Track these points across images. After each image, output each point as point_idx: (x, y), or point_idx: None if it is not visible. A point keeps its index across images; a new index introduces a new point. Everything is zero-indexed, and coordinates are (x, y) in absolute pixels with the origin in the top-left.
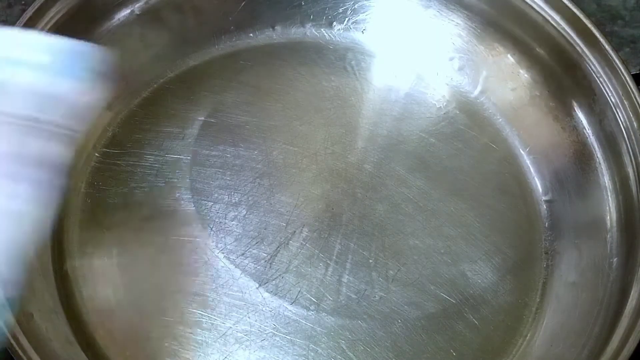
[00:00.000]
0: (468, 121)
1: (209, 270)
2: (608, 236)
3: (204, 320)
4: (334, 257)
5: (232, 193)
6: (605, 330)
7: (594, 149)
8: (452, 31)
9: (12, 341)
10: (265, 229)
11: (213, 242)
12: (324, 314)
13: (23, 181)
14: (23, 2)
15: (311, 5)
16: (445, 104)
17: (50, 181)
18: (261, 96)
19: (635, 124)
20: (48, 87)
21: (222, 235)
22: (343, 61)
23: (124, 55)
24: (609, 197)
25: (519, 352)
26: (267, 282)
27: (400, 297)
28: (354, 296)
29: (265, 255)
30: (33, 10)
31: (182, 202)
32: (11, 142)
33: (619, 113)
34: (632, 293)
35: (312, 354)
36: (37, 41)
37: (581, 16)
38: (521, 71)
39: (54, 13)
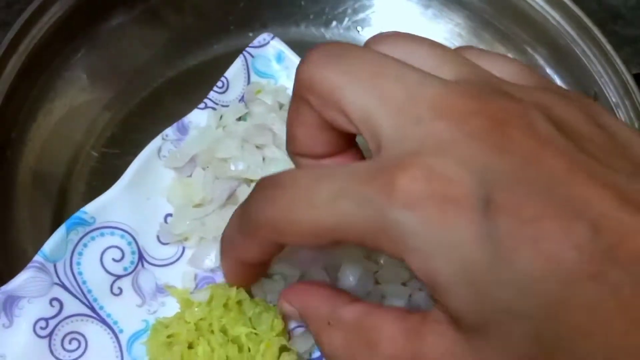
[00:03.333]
0: None
1: None
2: None
3: None
4: None
5: None
6: None
7: None
8: (452, 31)
9: None
10: None
11: None
12: None
13: None
14: (22, 2)
15: (311, 5)
16: None
17: None
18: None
19: (635, 124)
20: None
21: None
22: None
23: (124, 55)
24: None
25: None
26: None
27: None
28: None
29: None
30: (32, 9)
31: None
32: None
33: (620, 113)
34: None
35: None
36: None
37: (581, 15)
38: None
39: (54, 13)
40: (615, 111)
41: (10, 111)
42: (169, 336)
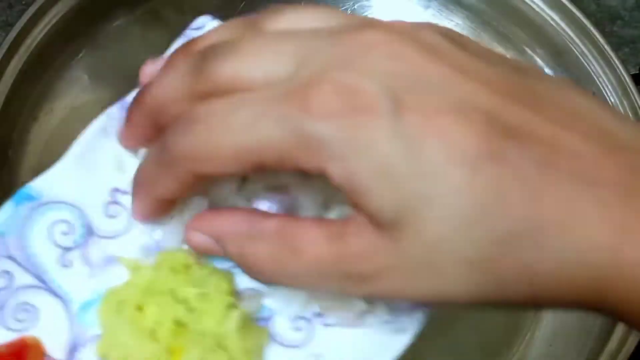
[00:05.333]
0: None
1: None
2: None
3: None
4: None
5: None
6: (605, 330)
7: None
8: None
9: None
10: None
11: None
12: None
13: None
14: (23, 2)
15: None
16: None
17: None
18: None
19: None
20: None
21: None
22: None
23: (125, 55)
24: None
25: (519, 352)
26: None
27: None
28: None
29: None
30: (33, 10)
31: None
32: None
33: None
34: None
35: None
36: None
37: (580, 16)
38: None
39: (55, 13)
40: None
41: (12, 111)
42: (118, 302)
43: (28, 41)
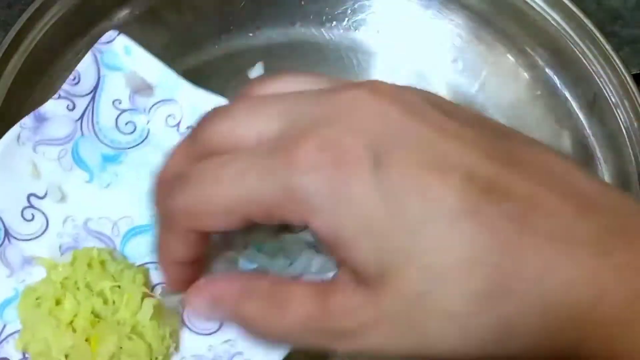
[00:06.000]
0: None
1: None
2: None
3: None
4: None
5: None
6: None
7: (595, 149)
8: (452, 31)
9: None
10: None
11: None
12: None
13: None
14: (23, 2)
15: (311, 5)
16: None
17: None
18: None
19: (635, 124)
20: None
21: None
22: (343, 61)
23: None
24: None
25: None
26: None
27: None
28: None
29: None
30: (33, 10)
31: None
32: None
33: (619, 113)
34: None
35: None
36: None
37: (581, 16)
38: (521, 71)
39: (54, 13)
40: (615, 111)
41: (11, 111)
42: (37, 298)
43: (27, 41)
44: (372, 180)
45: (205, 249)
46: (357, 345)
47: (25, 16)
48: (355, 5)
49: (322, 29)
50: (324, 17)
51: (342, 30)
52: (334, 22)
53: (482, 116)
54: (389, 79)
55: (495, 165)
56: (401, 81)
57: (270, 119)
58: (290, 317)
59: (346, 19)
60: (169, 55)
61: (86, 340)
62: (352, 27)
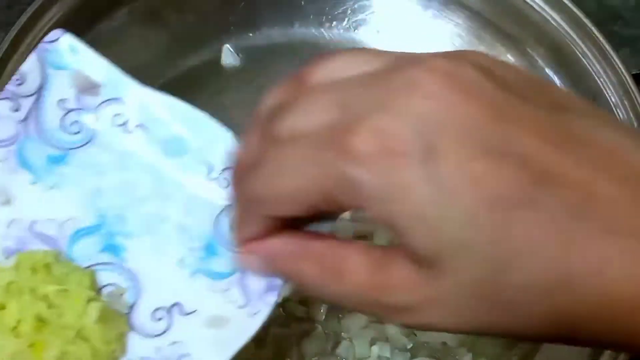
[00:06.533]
0: None
1: None
2: None
3: None
4: None
5: None
6: None
7: None
8: (452, 31)
9: None
10: None
11: None
12: None
13: None
14: (23, 2)
15: (311, 5)
16: None
17: None
18: (261, 96)
19: (635, 124)
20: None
21: None
22: None
23: (124, 55)
24: None
25: (520, 352)
26: None
27: None
28: None
29: None
30: (32, 10)
31: None
32: None
33: (619, 113)
34: None
35: None
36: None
37: (581, 16)
38: None
39: (54, 13)
40: (615, 111)
41: None
42: None
43: (27, 41)
44: (423, 170)
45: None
46: (411, 320)
47: (25, 16)
48: (355, 5)
49: (322, 29)
50: (324, 17)
51: (342, 30)
52: (334, 22)
53: (540, 83)
54: None
55: (551, 149)
56: None
57: (327, 110)
58: (344, 284)
59: (346, 19)
60: (169, 55)
61: (30, 345)
62: (352, 27)
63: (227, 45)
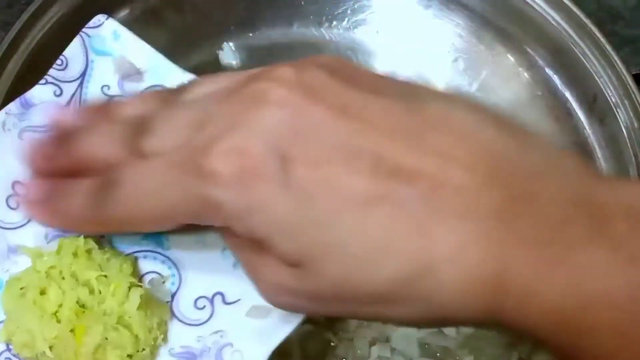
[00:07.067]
0: None
1: None
2: None
3: None
4: None
5: None
6: None
7: (595, 149)
8: (452, 31)
9: None
10: None
11: None
12: None
13: None
14: (23, 2)
15: (311, 5)
16: None
17: None
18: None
19: (635, 124)
20: None
21: None
22: None
23: None
24: None
25: (522, 352)
26: None
27: None
28: None
29: None
30: (33, 9)
31: None
32: None
33: (619, 113)
34: None
35: None
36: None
37: (581, 16)
38: (521, 71)
39: (54, 13)
40: (615, 111)
41: None
42: (21, 288)
43: (27, 41)
44: (279, 183)
45: None
46: (290, 308)
47: (25, 16)
48: (355, 5)
49: (322, 29)
50: (324, 17)
51: (342, 30)
52: (334, 22)
53: (392, 78)
54: None
55: (402, 144)
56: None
57: (185, 127)
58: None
59: (346, 19)
60: (169, 55)
61: (71, 330)
62: (352, 27)
63: (227, 45)
